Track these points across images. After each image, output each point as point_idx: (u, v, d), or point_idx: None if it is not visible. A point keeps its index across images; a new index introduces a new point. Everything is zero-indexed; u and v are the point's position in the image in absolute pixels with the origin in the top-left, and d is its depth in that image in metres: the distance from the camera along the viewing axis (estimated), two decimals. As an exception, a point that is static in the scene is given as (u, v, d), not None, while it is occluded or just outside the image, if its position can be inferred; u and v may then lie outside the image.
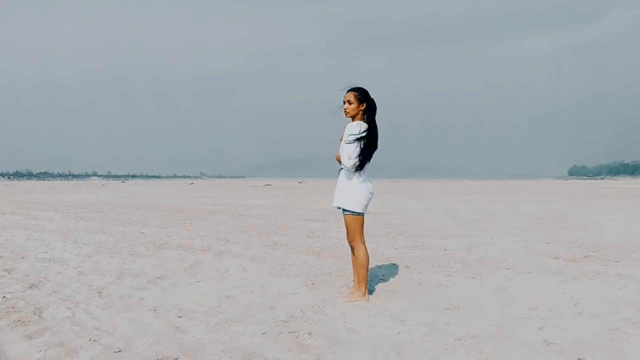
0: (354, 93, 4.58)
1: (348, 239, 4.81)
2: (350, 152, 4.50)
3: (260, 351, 3.41)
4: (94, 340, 3.59)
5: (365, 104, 4.60)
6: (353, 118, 4.63)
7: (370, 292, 5.03)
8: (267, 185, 62.38)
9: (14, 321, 4.07)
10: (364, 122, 4.59)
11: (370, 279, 5.67)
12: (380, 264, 6.51)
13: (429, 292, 5.05)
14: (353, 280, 4.97)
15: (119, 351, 3.42)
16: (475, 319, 4.07)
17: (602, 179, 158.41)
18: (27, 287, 5.23)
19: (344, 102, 4.63)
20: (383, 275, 5.85)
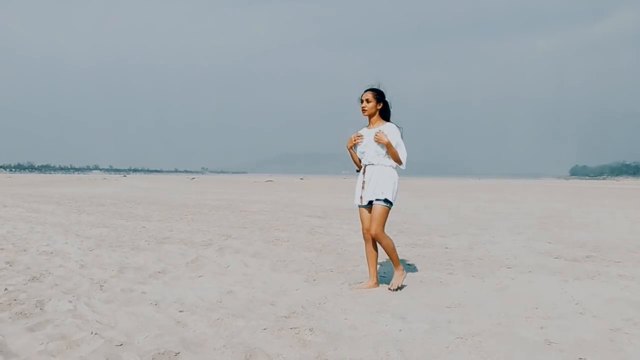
0: (372, 92, 4.93)
1: (371, 232, 4.91)
2: (404, 151, 4.89)
3: (262, 347, 3.42)
4: (96, 334, 3.60)
5: (382, 103, 4.94)
6: (370, 116, 4.98)
7: (371, 289, 5.04)
8: (268, 181, 62.39)
9: (15, 313, 4.07)
10: (383, 120, 4.97)
11: (372, 276, 5.68)
12: (381, 261, 6.50)
13: (430, 290, 5.05)
14: (370, 274, 5.14)
15: (121, 345, 3.42)
16: (477, 318, 4.06)
17: (603, 179, 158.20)
18: (28, 280, 5.24)
19: (362, 101, 4.94)
20: (384, 272, 5.85)
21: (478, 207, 16.74)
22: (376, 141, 4.82)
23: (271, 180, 64.85)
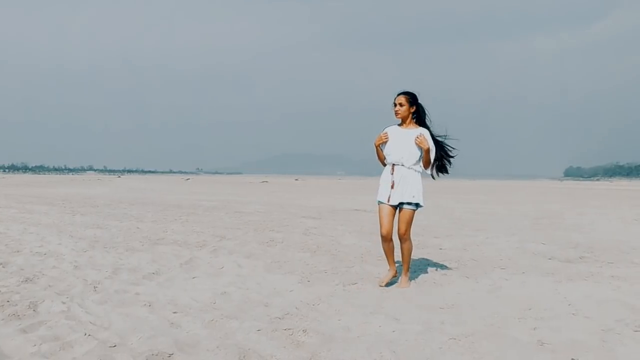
0: (406, 96, 5.06)
1: (400, 232, 5.15)
2: (434, 156, 5.11)
3: (255, 348, 3.42)
4: (89, 335, 3.59)
5: (415, 106, 5.08)
6: (403, 119, 5.09)
7: (365, 290, 5.06)
8: (263, 182, 62.34)
9: (8, 315, 4.06)
10: (416, 124, 5.11)
11: (366, 276, 5.69)
12: (375, 262, 6.52)
13: (424, 291, 5.07)
14: (390, 264, 5.38)
15: (114, 346, 3.42)
16: (470, 319, 4.08)
17: (597, 180, 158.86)
18: (22, 281, 5.22)
19: (395, 105, 5.07)
20: (378, 273, 5.86)
21: (472, 208, 16.79)
22: (417, 144, 4.96)
23: (266, 181, 64.82)
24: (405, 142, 5.02)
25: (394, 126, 5.18)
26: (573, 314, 4.23)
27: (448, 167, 5.31)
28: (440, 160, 5.22)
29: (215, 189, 34.46)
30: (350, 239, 8.63)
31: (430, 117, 5.19)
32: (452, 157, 5.29)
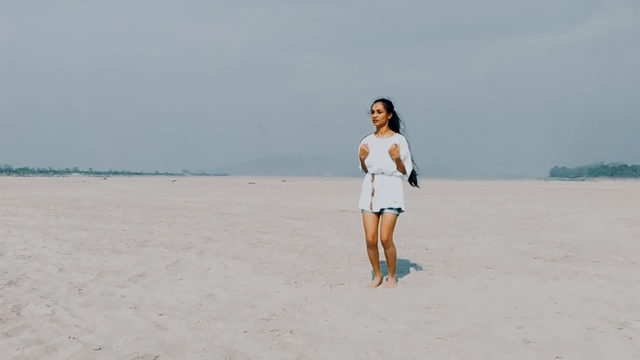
0: (383, 103, 5.07)
1: (382, 238, 5.11)
2: (409, 165, 5.09)
3: (242, 349, 3.41)
4: (74, 338, 3.55)
5: (391, 113, 5.09)
6: (380, 126, 5.10)
7: (352, 290, 5.07)
8: (250, 183, 62.19)
9: (-9, 318, 4.01)
10: (391, 131, 5.13)
11: (352, 277, 5.70)
12: (362, 262, 6.53)
13: (411, 291, 5.08)
14: (375, 272, 5.38)
15: (99, 349, 3.39)
16: (456, 318, 4.10)
17: (582, 180, 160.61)
18: (5, 284, 5.15)
19: (373, 112, 5.07)
20: (365, 274, 5.87)
21: (459, 209, 16.88)
22: (389, 152, 4.95)
23: (253, 182, 64.65)
24: (383, 152, 5.03)
25: (370, 136, 5.19)
26: (558, 312, 4.27)
27: (414, 182, 5.29)
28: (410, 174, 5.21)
29: (201, 191, 34.32)
30: (337, 239, 8.63)
31: (405, 124, 5.20)
32: (417, 173, 5.29)
